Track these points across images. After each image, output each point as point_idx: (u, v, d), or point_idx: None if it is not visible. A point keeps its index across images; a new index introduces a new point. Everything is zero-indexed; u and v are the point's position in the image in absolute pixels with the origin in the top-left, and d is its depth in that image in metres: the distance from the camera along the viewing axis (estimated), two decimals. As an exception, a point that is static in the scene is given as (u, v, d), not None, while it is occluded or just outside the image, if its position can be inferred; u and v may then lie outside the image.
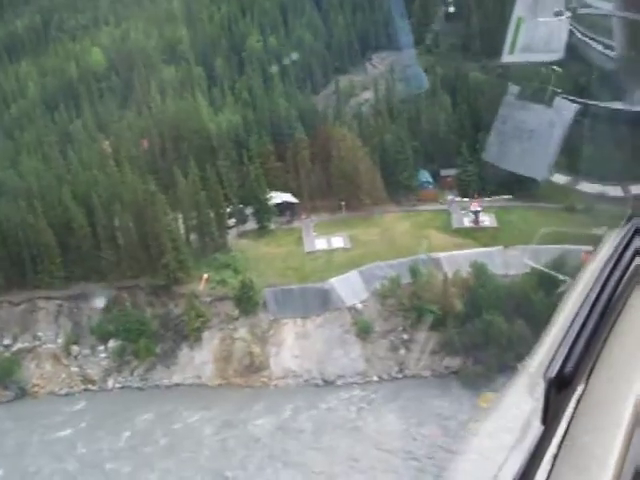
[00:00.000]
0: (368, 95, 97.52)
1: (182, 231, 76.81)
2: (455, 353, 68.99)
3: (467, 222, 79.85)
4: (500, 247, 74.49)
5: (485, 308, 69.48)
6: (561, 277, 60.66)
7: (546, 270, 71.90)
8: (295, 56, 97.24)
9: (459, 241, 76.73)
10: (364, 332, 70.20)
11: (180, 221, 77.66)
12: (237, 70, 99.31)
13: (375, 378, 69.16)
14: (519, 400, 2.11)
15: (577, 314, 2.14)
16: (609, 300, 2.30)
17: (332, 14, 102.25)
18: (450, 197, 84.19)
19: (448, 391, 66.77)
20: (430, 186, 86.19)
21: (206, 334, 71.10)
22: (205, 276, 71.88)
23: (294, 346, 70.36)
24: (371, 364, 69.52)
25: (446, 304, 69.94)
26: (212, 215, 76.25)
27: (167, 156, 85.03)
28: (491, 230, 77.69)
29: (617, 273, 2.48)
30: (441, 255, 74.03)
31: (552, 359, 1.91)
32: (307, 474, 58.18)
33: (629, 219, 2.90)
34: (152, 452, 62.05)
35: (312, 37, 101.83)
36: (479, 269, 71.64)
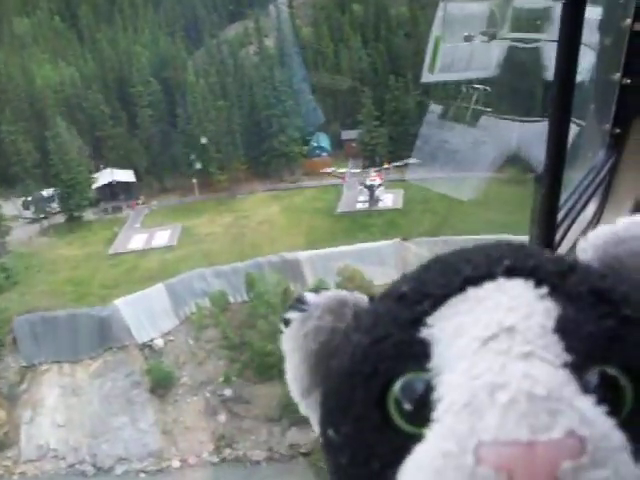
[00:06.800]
0: (267, 43, 62.21)
1: None
2: (305, 421, 32.66)
3: (362, 202, 44.22)
4: (396, 240, 38.87)
5: (358, 344, 33.68)
6: None
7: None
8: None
9: (340, 232, 41.31)
10: (163, 386, 36.15)
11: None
12: (106, 19, 64.79)
13: (176, 463, 35.00)
14: None
15: None
16: None
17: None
18: (346, 168, 48.47)
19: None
20: (324, 153, 50.77)
21: None
22: None
23: (57, 409, 36.84)
24: (171, 439, 35.50)
25: (295, 337, 34.31)
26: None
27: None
28: (391, 213, 42.01)
29: None
30: (302, 255, 39.10)
31: None
32: None
33: None
34: None
35: (201, -26, 66.74)
36: (353, 277, 36.15)
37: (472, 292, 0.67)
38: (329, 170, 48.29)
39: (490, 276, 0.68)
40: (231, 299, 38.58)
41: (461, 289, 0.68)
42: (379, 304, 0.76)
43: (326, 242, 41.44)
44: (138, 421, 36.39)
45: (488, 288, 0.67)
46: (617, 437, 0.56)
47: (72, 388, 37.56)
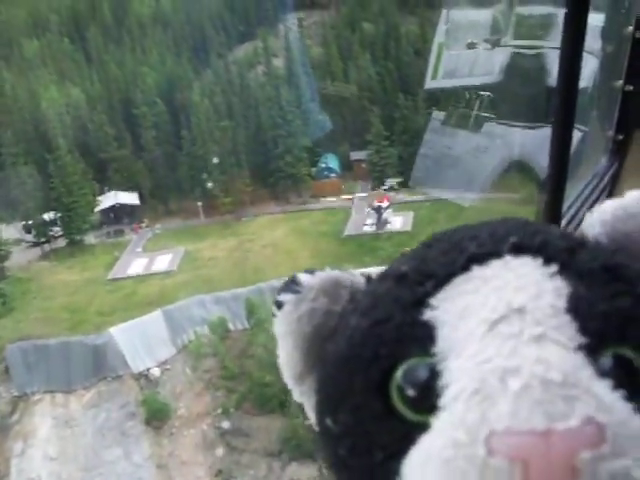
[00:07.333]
0: (276, 63, 61.37)
1: None
2: (306, 455, 32.03)
3: (369, 225, 42.62)
4: (404, 265, 36.64)
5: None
6: None
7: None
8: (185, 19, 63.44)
9: (346, 255, 39.69)
10: (158, 418, 34.42)
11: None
12: (116, 40, 64.47)
13: (171, 500, 32.81)
14: None
15: None
16: None
17: (239, -34, 67.02)
18: (354, 191, 47.05)
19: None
20: (333, 175, 49.27)
21: None
22: None
23: (50, 440, 35.13)
24: (167, 474, 33.66)
25: (297, 367, 32.47)
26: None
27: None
28: (400, 237, 40.31)
29: None
30: (305, 281, 36.71)
31: None
32: None
33: None
34: None
35: (212, -5, 66.85)
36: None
37: (477, 271, 0.61)
38: (333, 199, 46.93)
39: (496, 254, 0.62)
40: (231, 326, 36.91)
41: (465, 268, 0.62)
42: (378, 285, 0.69)
43: (331, 266, 39.70)
44: (132, 454, 34.63)
45: (494, 266, 0.61)
46: (637, 423, 0.51)
47: (65, 419, 35.96)
